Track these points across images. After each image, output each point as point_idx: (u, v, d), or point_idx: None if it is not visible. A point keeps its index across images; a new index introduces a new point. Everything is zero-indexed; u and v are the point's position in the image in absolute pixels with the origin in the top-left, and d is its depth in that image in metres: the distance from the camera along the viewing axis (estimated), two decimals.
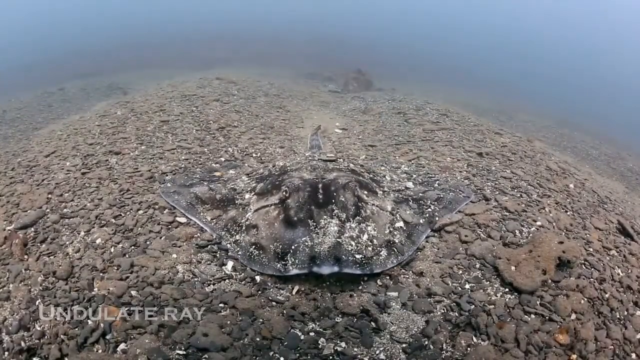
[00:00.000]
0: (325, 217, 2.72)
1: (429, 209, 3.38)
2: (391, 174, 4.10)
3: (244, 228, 2.98)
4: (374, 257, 2.68)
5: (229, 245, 2.95)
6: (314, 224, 2.68)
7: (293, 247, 2.61)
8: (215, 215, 3.22)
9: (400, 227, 3.05)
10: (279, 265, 2.60)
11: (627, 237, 3.69)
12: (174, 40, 20.87)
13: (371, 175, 3.80)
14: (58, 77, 13.09)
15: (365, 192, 3.16)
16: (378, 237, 2.80)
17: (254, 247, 2.78)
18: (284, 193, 2.88)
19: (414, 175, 4.14)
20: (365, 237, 2.75)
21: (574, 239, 3.38)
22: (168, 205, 3.47)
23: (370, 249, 2.70)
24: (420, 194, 3.59)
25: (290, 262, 2.57)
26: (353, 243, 2.65)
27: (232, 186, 3.58)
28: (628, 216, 4.30)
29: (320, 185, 2.92)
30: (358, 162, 4.56)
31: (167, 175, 4.04)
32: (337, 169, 3.44)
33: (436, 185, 3.88)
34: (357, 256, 2.60)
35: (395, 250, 2.83)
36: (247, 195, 3.34)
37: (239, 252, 2.83)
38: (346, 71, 13.97)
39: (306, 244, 2.59)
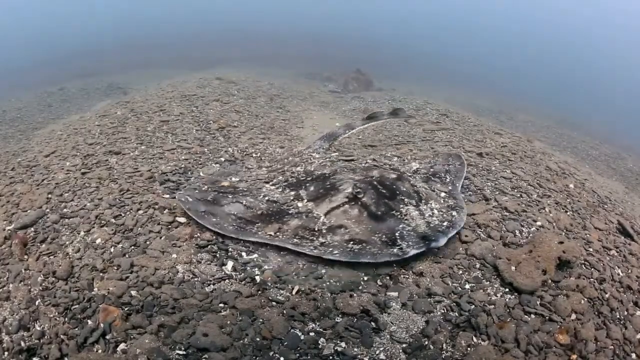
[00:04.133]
0: (401, 206, 3.07)
1: (447, 179, 3.91)
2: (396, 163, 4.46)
3: (324, 231, 2.96)
4: (453, 219, 3.09)
5: (315, 251, 2.81)
6: (398, 213, 2.99)
7: (397, 234, 2.85)
8: (276, 229, 3.07)
9: (446, 195, 3.51)
10: (395, 250, 2.74)
11: (627, 237, 3.69)
12: (174, 40, 20.85)
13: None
14: (58, 77, 13.07)
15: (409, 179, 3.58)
16: (442, 207, 3.24)
17: (351, 242, 2.84)
18: (356, 194, 3.12)
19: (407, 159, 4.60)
20: (437, 210, 3.16)
21: (574, 239, 3.38)
22: (168, 205, 3.48)
23: (446, 215, 3.12)
24: (432, 170, 4.09)
25: (405, 246, 2.76)
26: (435, 218, 3.06)
27: (267, 198, 3.45)
28: (628, 216, 4.30)
29: (375, 183, 3.28)
30: (368, 158, 4.67)
31: (166, 175, 4.03)
32: (368, 167, 3.79)
33: (431, 162, 4.41)
34: (445, 224, 3.01)
35: (457, 208, 3.28)
36: (299, 204, 3.29)
37: (335, 252, 2.78)
38: (346, 71, 13.95)
39: (407, 229, 2.88)
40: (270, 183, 3.75)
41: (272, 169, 4.27)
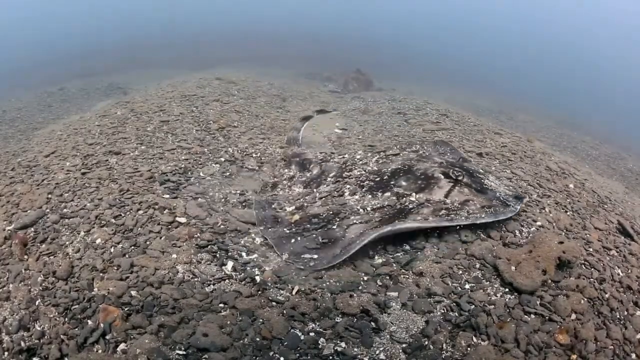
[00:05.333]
0: (482, 180, 3.58)
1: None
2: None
3: (459, 207, 3.26)
4: (511, 185, 3.97)
5: (469, 220, 3.12)
6: (486, 185, 3.50)
7: (502, 198, 3.36)
8: (430, 210, 3.19)
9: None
10: (511, 208, 3.28)
11: (627, 237, 3.69)
12: (174, 40, 20.84)
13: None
14: (58, 77, 13.06)
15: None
16: (498, 179, 3.93)
17: (486, 207, 3.25)
18: (456, 177, 3.48)
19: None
20: (498, 181, 3.83)
21: (574, 239, 3.38)
22: (167, 205, 3.48)
23: (504, 183, 3.93)
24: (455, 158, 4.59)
25: (512, 204, 3.32)
26: (505, 186, 3.74)
27: (370, 208, 3.37)
28: (628, 216, 4.30)
29: (453, 166, 3.70)
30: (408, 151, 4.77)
31: (166, 175, 4.03)
32: (426, 157, 4.17)
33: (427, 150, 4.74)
34: (510, 188, 3.78)
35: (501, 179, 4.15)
36: (411, 198, 3.38)
37: (483, 216, 3.17)
38: (346, 71, 13.94)
39: (502, 194, 3.44)
40: (347, 195, 3.63)
41: (310, 181, 4.07)
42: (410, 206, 3.28)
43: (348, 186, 3.76)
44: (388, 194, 3.51)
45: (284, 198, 3.83)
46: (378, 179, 3.74)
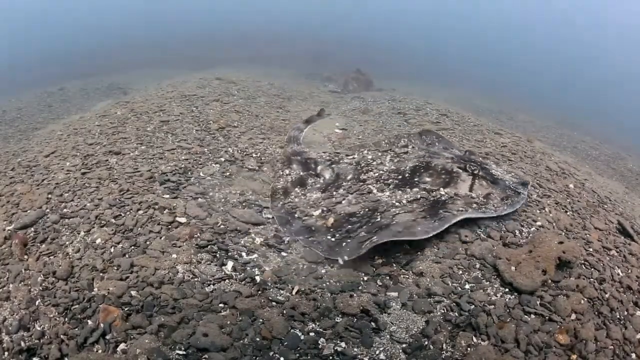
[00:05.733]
0: (490, 171, 3.76)
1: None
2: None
3: (484, 200, 3.46)
4: (513, 172, 4.16)
5: (497, 212, 3.32)
6: (496, 176, 3.69)
7: (512, 186, 3.58)
8: (463, 202, 3.37)
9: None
10: (522, 195, 3.53)
11: (627, 237, 3.69)
12: (174, 40, 20.83)
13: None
14: (58, 77, 13.07)
15: None
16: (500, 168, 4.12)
17: (504, 199, 3.46)
18: (473, 171, 3.64)
19: None
20: (502, 169, 4.04)
21: (574, 239, 3.38)
22: (167, 205, 3.48)
23: (507, 170, 4.17)
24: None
25: (521, 191, 3.56)
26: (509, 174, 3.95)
27: (405, 201, 3.44)
28: (628, 216, 4.30)
29: (464, 160, 3.86)
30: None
31: (166, 175, 4.03)
32: (434, 152, 4.24)
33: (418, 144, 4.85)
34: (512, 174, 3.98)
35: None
36: (442, 192, 3.51)
37: (506, 208, 3.39)
38: (346, 71, 13.93)
39: (511, 182, 3.65)
40: (376, 192, 3.65)
41: (327, 186, 3.97)
42: (444, 198, 3.41)
43: (372, 186, 3.76)
44: (416, 189, 3.59)
45: (304, 204, 3.68)
46: (400, 176, 3.80)
